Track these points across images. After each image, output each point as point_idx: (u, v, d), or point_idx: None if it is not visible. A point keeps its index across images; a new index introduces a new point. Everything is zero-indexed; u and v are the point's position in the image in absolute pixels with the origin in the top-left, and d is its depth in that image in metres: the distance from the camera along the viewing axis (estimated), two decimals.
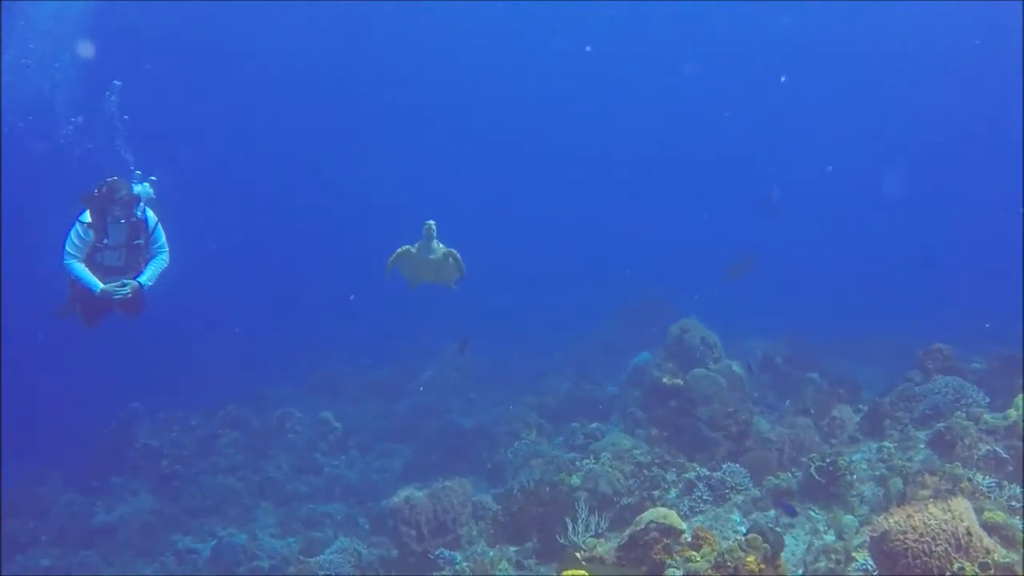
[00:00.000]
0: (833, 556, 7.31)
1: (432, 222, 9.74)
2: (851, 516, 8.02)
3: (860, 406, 11.84)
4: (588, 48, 40.64)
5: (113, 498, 16.08)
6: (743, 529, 8.44)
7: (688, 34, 41.49)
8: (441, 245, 9.93)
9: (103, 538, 14.55)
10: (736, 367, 11.40)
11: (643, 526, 6.76)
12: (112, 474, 16.88)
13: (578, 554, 7.30)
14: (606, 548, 7.41)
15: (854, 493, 8.78)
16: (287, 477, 15.86)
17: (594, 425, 12.90)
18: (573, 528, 7.66)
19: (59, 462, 17.60)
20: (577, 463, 10.39)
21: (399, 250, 9.94)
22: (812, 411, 11.37)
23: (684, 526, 6.84)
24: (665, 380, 11.11)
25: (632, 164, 44.70)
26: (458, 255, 9.99)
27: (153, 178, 9.16)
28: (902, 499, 7.64)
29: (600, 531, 7.74)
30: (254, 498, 15.12)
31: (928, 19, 36.73)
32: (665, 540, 6.65)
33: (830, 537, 8.03)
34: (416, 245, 9.87)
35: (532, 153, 45.79)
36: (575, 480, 9.64)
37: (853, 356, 20.55)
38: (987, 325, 22.47)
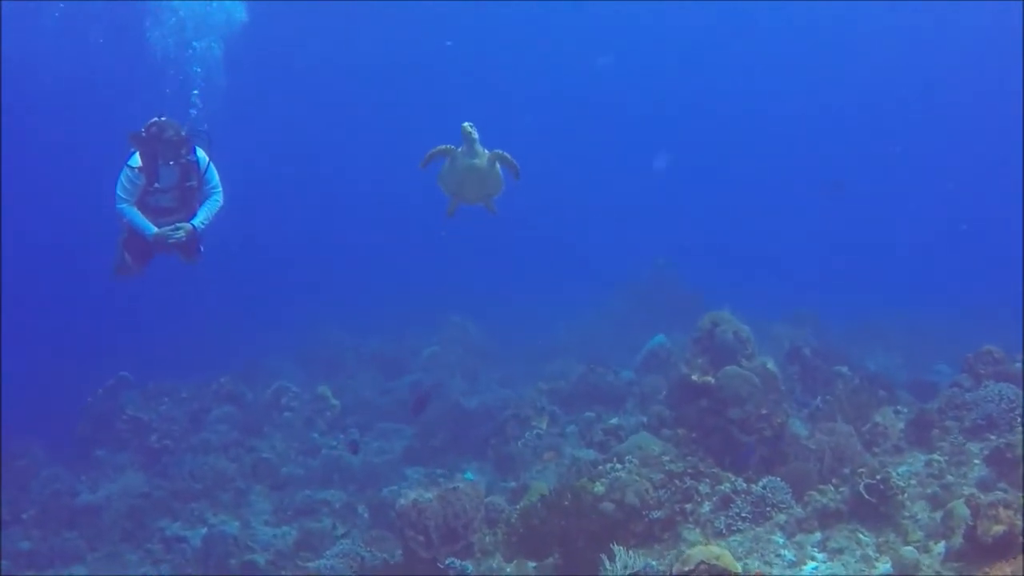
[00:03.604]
0: None
1: (470, 124, 8.54)
2: (910, 549, 7.25)
3: (899, 408, 11.10)
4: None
5: (98, 474, 15.33)
6: (789, 555, 7.70)
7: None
8: (485, 151, 8.74)
9: (87, 519, 13.79)
10: (771, 364, 10.57)
11: (691, 567, 5.98)
12: (98, 447, 16.14)
13: None
14: None
15: (906, 515, 8.03)
16: (282, 458, 15.10)
17: (614, 420, 12.12)
18: (611, 566, 6.86)
19: (42, 433, 16.83)
20: (600, 467, 9.58)
21: (439, 147, 8.75)
22: (848, 411, 10.63)
23: (739, 569, 6.05)
24: (695, 378, 10.29)
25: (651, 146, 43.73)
26: (507, 155, 8.75)
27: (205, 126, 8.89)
28: (971, 533, 6.86)
29: (638, 570, 6.92)
30: (247, 481, 14.36)
31: None
32: None
33: (885, 567, 7.30)
34: (460, 148, 8.70)
35: (552, 120, 44.41)
36: (599, 488, 8.84)
37: (872, 341, 19.93)
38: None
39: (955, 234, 34.71)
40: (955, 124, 41.22)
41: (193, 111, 10.99)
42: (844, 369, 13.10)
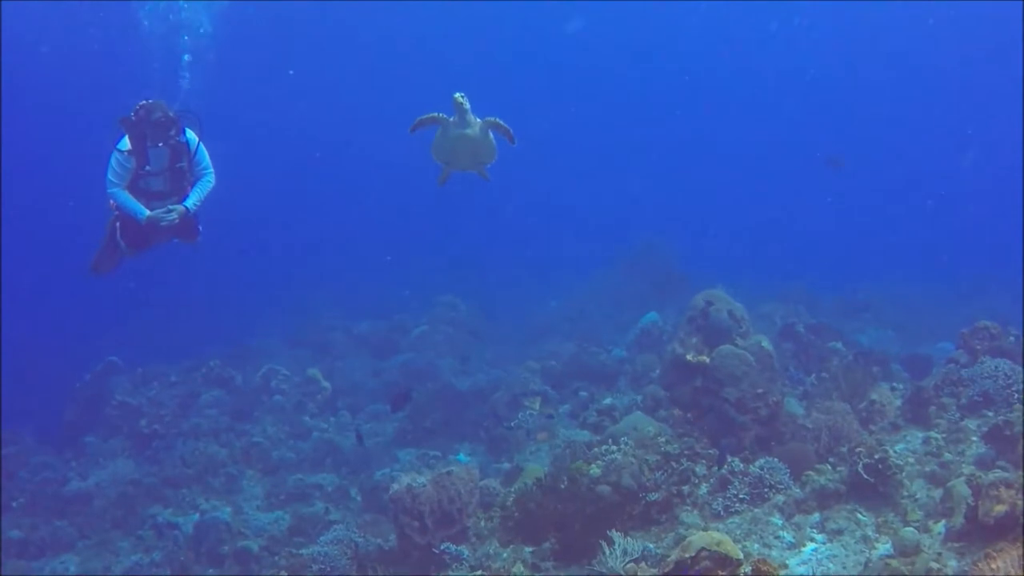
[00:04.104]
0: None
1: (460, 94, 8.33)
2: (911, 530, 7.17)
3: (895, 384, 11.04)
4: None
5: (88, 460, 15.21)
6: (788, 537, 7.63)
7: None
8: (477, 119, 8.53)
9: (77, 507, 13.69)
10: (765, 343, 10.48)
11: (693, 553, 5.87)
12: (87, 433, 16.00)
13: None
14: None
15: (905, 494, 7.96)
16: (273, 442, 14.97)
17: (608, 401, 12.02)
18: (610, 552, 6.76)
19: (30, 419, 16.67)
20: (595, 448, 9.48)
21: (430, 115, 8.53)
22: (844, 388, 10.55)
23: (741, 555, 5.96)
24: (689, 357, 10.21)
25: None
26: (500, 121, 8.55)
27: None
28: (972, 513, 6.80)
29: (636, 556, 6.81)
30: (238, 466, 14.23)
31: None
32: (720, 573, 5.77)
33: (885, 547, 7.23)
34: (451, 118, 8.52)
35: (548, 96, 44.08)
36: (595, 471, 8.76)
37: (863, 316, 19.89)
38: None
39: (945, 209, 34.67)
40: (950, 100, 41.10)
41: (185, 79, 10.94)
42: (839, 345, 13.04)
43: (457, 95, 8.38)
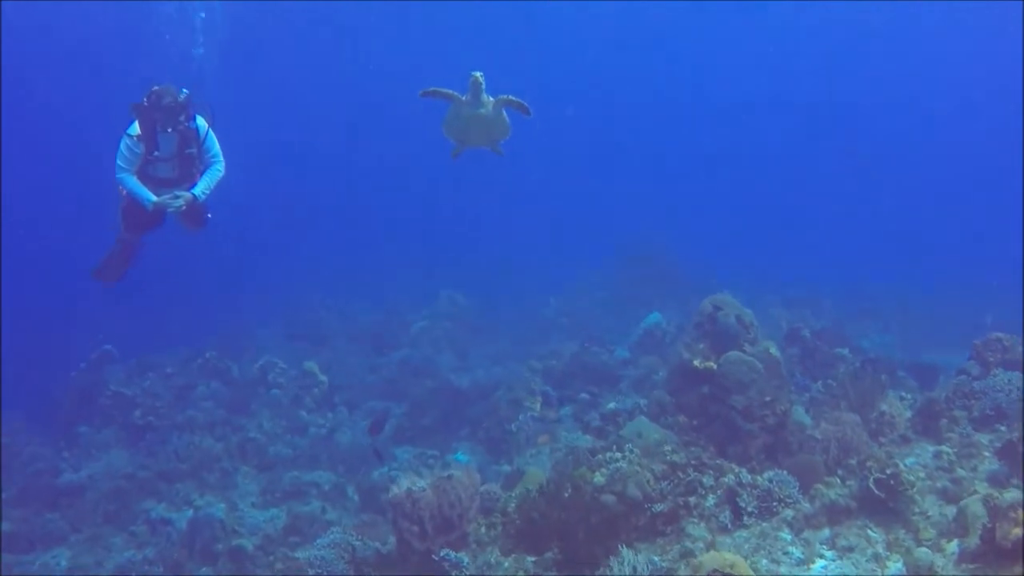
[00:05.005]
0: None
1: (479, 73, 8.25)
2: (925, 550, 7.00)
3: (903, 394, 10.86)
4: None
5: (81, 451, 15.00)
6: (797, 553, 7.45)
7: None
8: (490, 98, 8.45)
9: (70, 500, 13.48)
10: (773, 350, 10.28)
11: (704, 574, 5.69)
12: (81, 423, 15.78)
13: None
14: None
15: (917, 511, 7.78)
16: (269, 438, 14.77)
17: (612, 405, 11.82)
18: (618, 568, 6.57)
19: (23, 408, 16.44)
20: (599, 455, 9.29)
21: (444, 90, 8.42)
22: (852, 397, 10.38)
23: None
24: (696, 363, 10.00)
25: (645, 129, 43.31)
26: (513, 97, 8.48)
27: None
28: (989, 535, 6.62)
29: (646, 574, 6.63)
30: (234, 462, 14.04)
31: None
32: None
33: (896, 566, 7.06)
34: (464, 97, 8.42)
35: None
36: (599, 479, 8.55)
37: (866, 319, 19.75)
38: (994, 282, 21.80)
39: (946, 211, 34.56)
40: (952, 105, 40.94)
41: (199, 51, 11.02)
42: (845, 351, 12.87)
43: (476, 73, 8.28)
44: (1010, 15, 33.32)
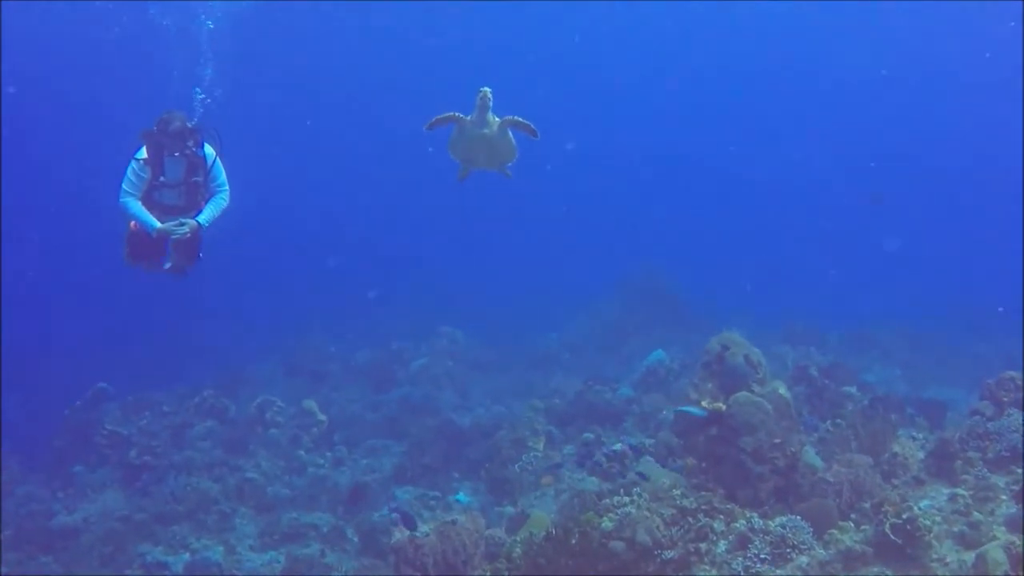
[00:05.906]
0: None
1: (488, 89, 8.07)
2: None
3: (914, 434, 10.68)
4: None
5: (75, 492, 14.76)
6: None
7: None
8: (496, 117, 8.26)
9: (64, 543, 13.23)
10: (783, 390, 10.10)
11: None
12: (75, 462, 15.54)
13: None
14: None
15: (935, 556, 7.58)
16: (267, 478, 14.51)
17: (618, 446, 11.60)
18: None
19: (17, 446, 16.19)
20: (606, 499, 9.09)
21: (447, 114, 8.27)
22: (862, 437, 10.19)
23: None
24: (704, 404, 9.83)
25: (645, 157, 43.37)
26: (519, 118, 8.27)
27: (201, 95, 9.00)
28: None
29: None
30: (231, 503, 13.75)
31: None
32: None
33: None
34: (469, 116, 8.24)
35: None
36: (607, 524, 8.35)
37: (869, 352, 19.61)
38: (1000, 309, 21.70)
39: (947, 243, 34.51)
40: (951, 128, 40.96)
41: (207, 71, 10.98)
42: (852, 389, 12.70)
43: (485, 89, 8.13)
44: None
